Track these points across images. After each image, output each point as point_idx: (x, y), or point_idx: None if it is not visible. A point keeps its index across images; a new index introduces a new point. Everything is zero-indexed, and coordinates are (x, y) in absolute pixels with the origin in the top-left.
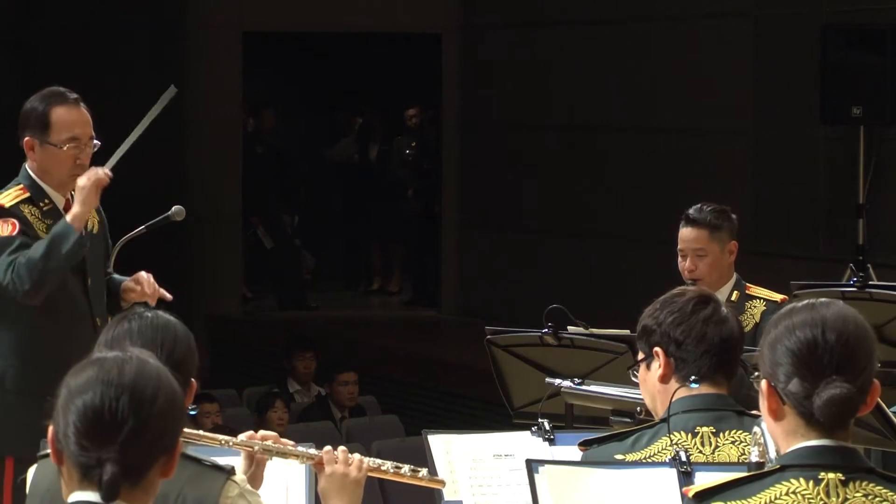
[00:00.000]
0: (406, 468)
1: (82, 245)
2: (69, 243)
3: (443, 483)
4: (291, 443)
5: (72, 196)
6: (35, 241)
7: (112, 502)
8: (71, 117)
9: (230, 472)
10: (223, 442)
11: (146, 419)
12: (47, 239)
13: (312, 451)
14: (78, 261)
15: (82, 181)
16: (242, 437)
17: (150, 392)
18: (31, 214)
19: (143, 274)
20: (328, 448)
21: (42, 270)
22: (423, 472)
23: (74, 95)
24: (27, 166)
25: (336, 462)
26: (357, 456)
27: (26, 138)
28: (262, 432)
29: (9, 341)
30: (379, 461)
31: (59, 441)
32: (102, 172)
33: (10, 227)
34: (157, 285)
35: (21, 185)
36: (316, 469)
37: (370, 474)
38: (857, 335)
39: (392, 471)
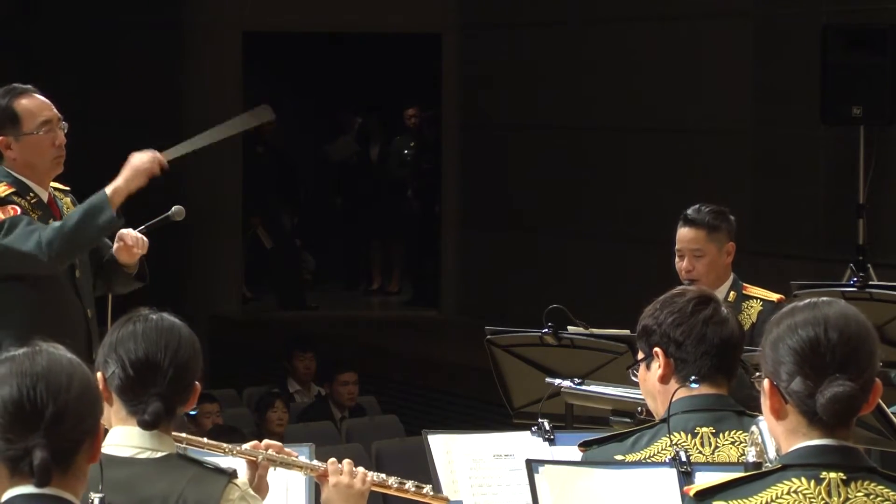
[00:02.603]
0: (410, 484)
1: (114, 223)
2: (104, 217)
3: (446, 500)
4: (295, 453)
5: (52, 192)
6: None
7: (46, 487)
8: (35, 104)
9: (232, 474)
10: (227, 450)
11: (65, 403)
12: (81, 209)
13: (316, 462)
14: (108, 234)
15: (137, 158)
16: (246, 446)
17: (64, 378)
18: (21, 206)
19: (122, 231)
20: (333, 460)
21: (72, 240)
22: (427, 488)
23: (29, 86)
24: (4, 166)
25: (341, 473)
26: (361, 469)
27: (0, 138)
28: (265, 441)
29: (1, 335)
30: (383, 476)
31: None
32: (159, 158)
33: (12, 211)
34: (139, 235)
35: (4, 183)
36: (319, 481)
37: (374, 489)
38: (860, 334)
39: (396, 486)
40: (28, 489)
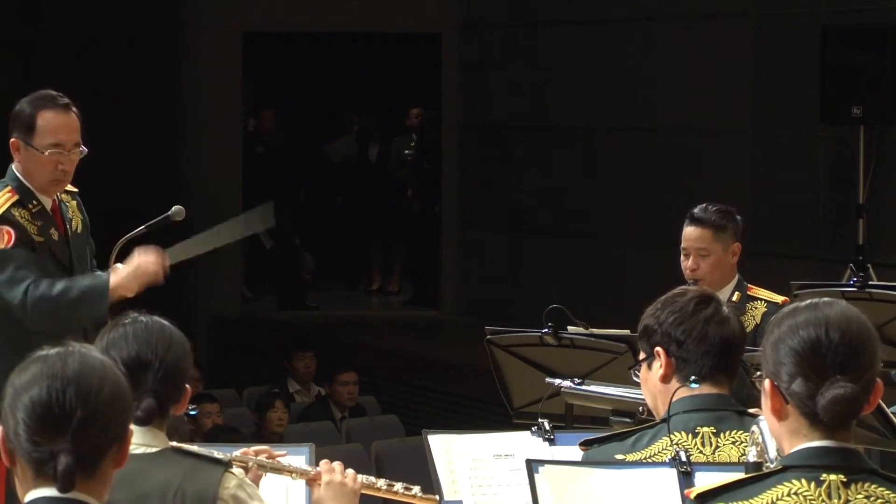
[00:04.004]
0: (399, 485)
1: (103, 317)
2: (98, 310)
3: (436, 500)
4: (285, 453)
5: (58, 198)
6: (29, 247)
7: (69, 492)
8: (57, 123)
9: (228, 464)
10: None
11: (94, 408)
12: (80, 290)
13: (306, 467)
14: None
15: (143, 262)
16: (236, 452)
17: (95, 382)
18: (22, 217)
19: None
20: (325, 460)
21: (60, 314)
22: (416, 489)
23: (65, 100)
24: (13, 167)
25: (333, 472)
26: (351, 471)
27: (12, 139)
28: (255, 448)
29: (4, 340)
30: (372, 479)
31: (10, 441)
32: (164, 264)
33: (6, 238)
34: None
35: (9, 188)
36: (309, 485)
37: (363, 491)
38: (861, 334)
39: (385, 488)
40: (51, 492)
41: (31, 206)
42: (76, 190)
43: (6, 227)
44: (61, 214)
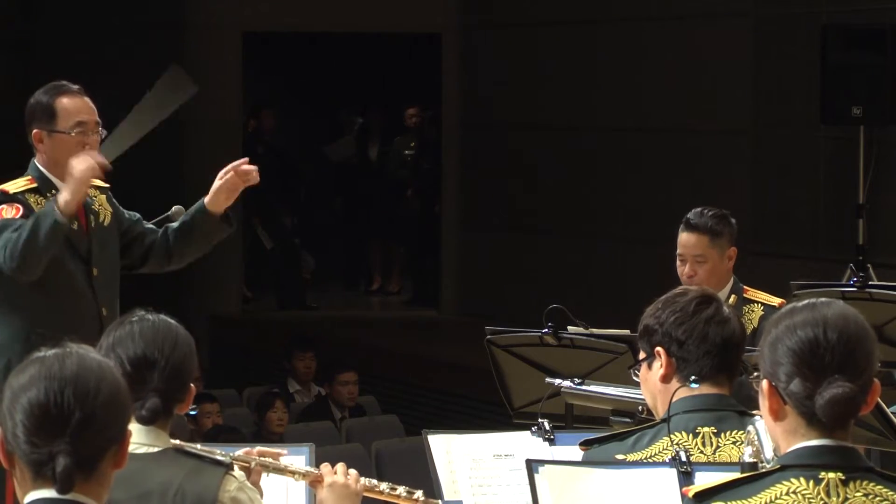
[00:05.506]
0: (402, 489)
1: (60, 230)
2: (46, 225)
3: None
4: (285, 452)
5: None
6: None
7: (68, 493)
8: (76, 105)
9: (229, 466)
10: (220, 455)
11: (92, 409)
12: (32, 218)
13: (309, 468)
14: (57, 245)
15: (76, 164)
16: (239, 452)
17: (93, 383)
18: (37, 203)
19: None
20: (326, 464)
21: (24, 248)
22: (419, 493)
23: (77, 87)
24: (35, 160)
25: (336, 474)
26: (354, 472)
27: (34, 131)
28: (258, 448)
29: (11, 331)
30: (375, 482)
31: (9, 442)
32: (98, 161)
33: (13, 211)
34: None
35: (29, 177)
36: (312, 486)
37: (366, 494)
38: (859, 334)
39: (387, 491)
40: (50, 493)
41: (48, 196)
42: (107, 185)
43: (16, 204)
44: (85, 206)
